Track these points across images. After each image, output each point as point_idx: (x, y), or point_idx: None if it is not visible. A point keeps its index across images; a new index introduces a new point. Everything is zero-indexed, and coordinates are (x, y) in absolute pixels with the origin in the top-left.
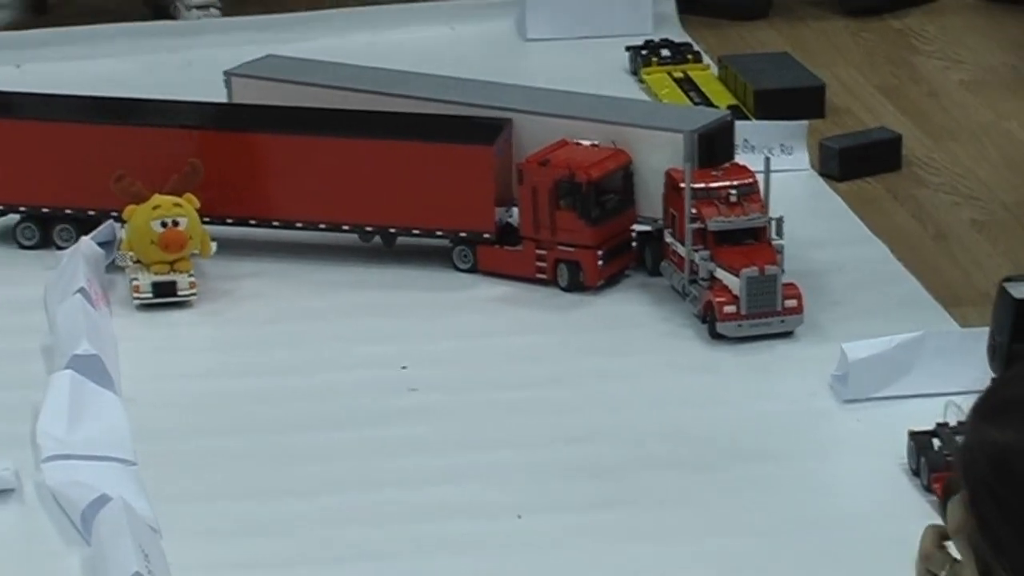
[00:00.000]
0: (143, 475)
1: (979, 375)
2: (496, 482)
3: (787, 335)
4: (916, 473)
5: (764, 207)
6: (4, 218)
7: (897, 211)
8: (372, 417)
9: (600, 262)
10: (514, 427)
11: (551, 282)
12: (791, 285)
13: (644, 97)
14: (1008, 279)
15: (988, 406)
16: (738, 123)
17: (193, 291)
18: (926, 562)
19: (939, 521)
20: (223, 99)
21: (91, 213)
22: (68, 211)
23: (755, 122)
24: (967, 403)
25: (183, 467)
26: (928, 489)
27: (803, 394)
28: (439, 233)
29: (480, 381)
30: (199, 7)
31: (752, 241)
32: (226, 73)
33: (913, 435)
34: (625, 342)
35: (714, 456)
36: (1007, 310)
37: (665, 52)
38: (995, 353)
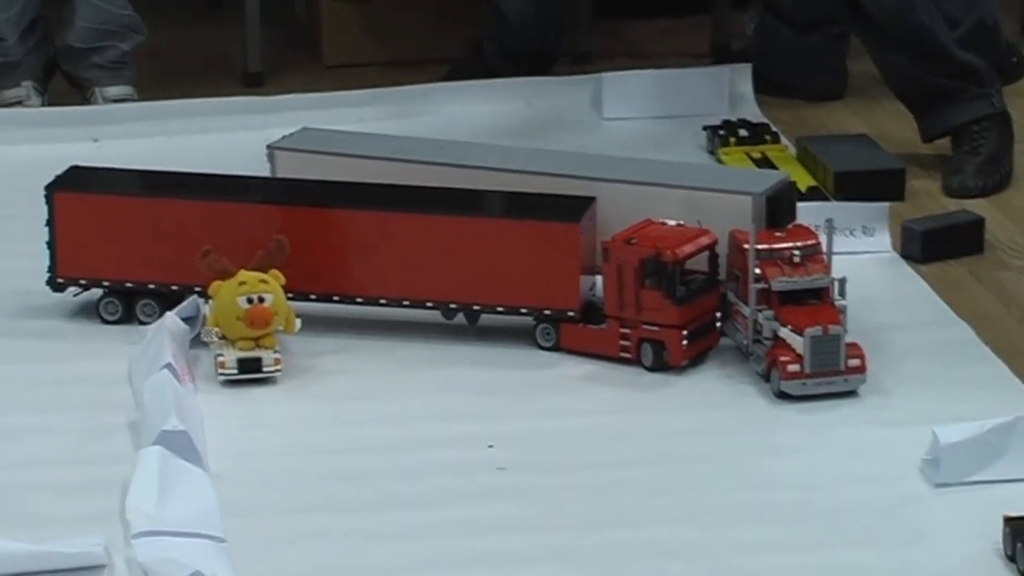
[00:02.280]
0: (232, 553)
1: None
2: (584, 563)
3: (881, 411)
4: (1012, 559)
5: (827, 268)
6: (87, 293)
7: (981, 294)
8: (460, 496)
9: (685, 342)
10: (602, 507)
11: (635, 361)
12: (854, 345)
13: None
14: None
15: None
16: (819, 204)
17: (278, 367)
18: None
19: None
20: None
21: (174, 288)
22: (151, 286)
23: (836, 203)
24: None
25: (272, 545)
26: None
27: (892, 478)
28: (523, 311)
29: (567, 460)
30: (116, 100)
31: (815, 301)
32: (269, 147)
33: (1008, 521)
34: (711, 420)
35: (806, 541)
36: None
37: (743, 132)
38: None
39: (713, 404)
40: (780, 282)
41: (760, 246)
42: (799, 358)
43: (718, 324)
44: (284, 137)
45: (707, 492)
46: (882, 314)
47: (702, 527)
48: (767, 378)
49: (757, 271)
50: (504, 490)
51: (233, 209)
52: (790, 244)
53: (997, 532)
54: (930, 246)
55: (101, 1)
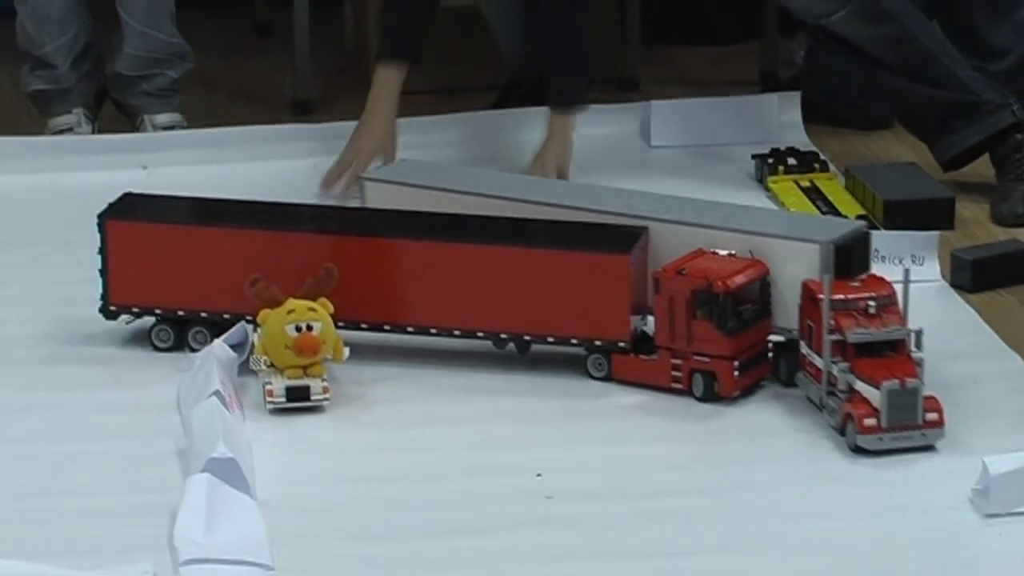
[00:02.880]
0: None
1: None
2: None
3: (927, 449)
4: None
5: (903, 319)
6: (139, 321)
7: None
8: (508, 524)
9: (736, 372)
10: (652, 536)
11: (686, 392)
12: (932, 398)
13: (771, 205)
14: None
15: None
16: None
17: (326, 396)
18: None
19: None
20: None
21: (226, 316)
22: (203, 314)
23: (886, 232)
24: None
25: (319, 573)
26: None
27: (943, 508)
28: (574, 341)
29: (616, 489)
30: (165, 127)
31: (891, 353)
32: (360, 177)
33: None
34: (763, 453)
35: (856, 571)
36: None
37: (792, 160)
38: None
39: (763, 434)
40: (856, 334)
41: (835, 296)
42: (875, 412)
43: (770, 355)
44: (376, 168)
45: (757, 521)
46: (933, 344)
47: (752, 556)
48: (842, 432)
49: (831, 322)
50: (552, 519)
51: (284, 238)
52: (865, 294)
53: None
54: (980, 275)
55: (149, 28)
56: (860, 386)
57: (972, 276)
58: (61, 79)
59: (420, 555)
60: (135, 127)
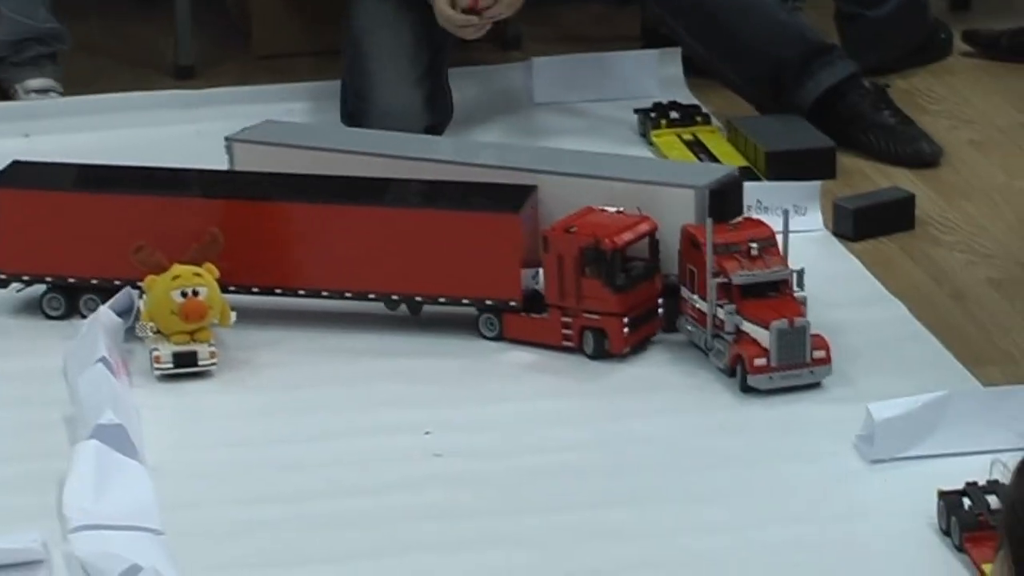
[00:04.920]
0: (171, 545)
1: (1006, 434)
2: (529, 547)
3: (814, 388)
4: (947, 533)
5: (784, 260)
6: (30, 289)
7: (913, 271)
8: (398, 483)
9: (626, 329)
10: (543, 492)
11: (577, 349)
12: (819, 337)
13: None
14: None
15: None
16: (751, 184)
17: (214, 360)
18: None
19: None
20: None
21: (117, 283)
22: (94, 281)
23: (768, 183)
24: (1013, 461)
25: (211, 537)
26: (960, 549)
27: (829, 454)
28: (465, 301)
29: (506, 446)
30: (37, 91)
31: (775, 294)
32: (227, 139)
33: (943, 495)
34: (654, 405)
35: (746, 520)
36: None
37: (674, 114)
38: None
39: (654, 387)
40: (741, 275)
41: (717, 240)
42: (765, 352)
43: (660, 311)
44: (244, 129)
45: (649, 474)
46: (817, 292)
47: (644, 509)
48: (731, 373)
49: (716, 265)
50: (442, 476)
51: (170, 203)
52: (746, 237)
53: (932, 506)
54: (862, 224)
55: (23, 16)
56: (748, 327)
57: (855, 225)
58: None
59: (311, 516)
60: (10, 98)
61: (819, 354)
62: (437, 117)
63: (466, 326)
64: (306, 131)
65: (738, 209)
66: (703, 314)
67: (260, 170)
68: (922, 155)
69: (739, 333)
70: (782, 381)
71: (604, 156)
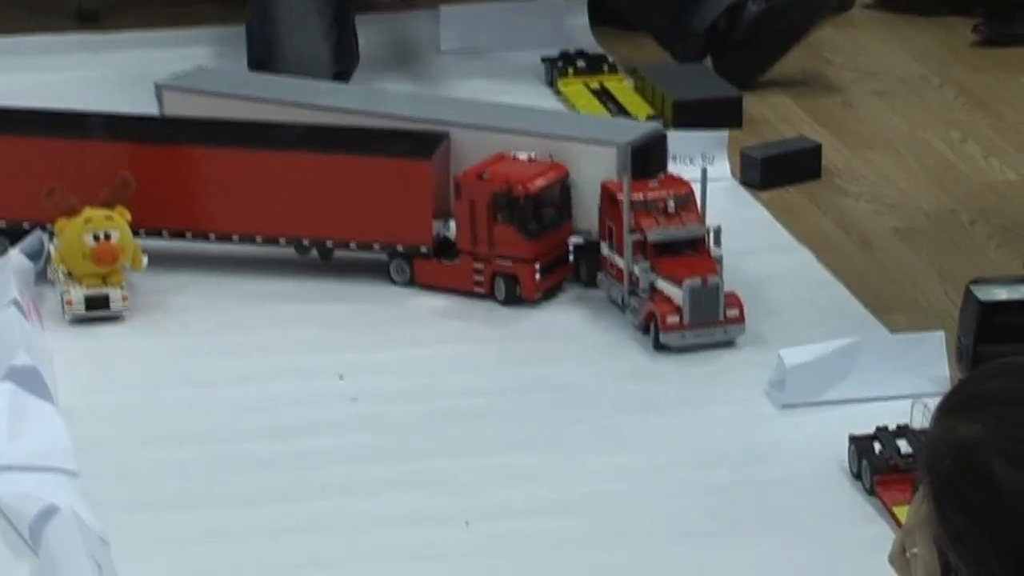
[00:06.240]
0: (85, 486)
1: (917, 379)
2: (440, 490)
3: (728, 344)
4: (858, 477)
5: (701, 218)
6: None
7: (820, 220)
8: (312, 427)
9: (537, 275)
10: (455, 435)
11: (488, 295)
12: (732, 295)
13: (563, 108)
14: (975, 281)
15: (956, 402)
16: None
17: (125, 304)
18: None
19: (881, 524)
20: (153, 112)
21: (26, 226)
22: (2, 224)
23: (676, 132)
24: (934, 403)
25: (125, 478)
26: (871, 492)
27: (741, 400)
28: (376, 247)
29: (419, 391)
30: None
31: (691, 252)
32: (157, 85)
33: (854, 439)
34: (565, 352)
35: (656, 464)
36: (972, 313)
37: (581, 63)
38: (962, 355)
39: (566, 336)
40: (656, 233)
41: (634, 197)
42: (678, 310)
43: (571, 257)
44: (175, 75)
45: (557, 419)
46: (727, 242)
47: (553, 452)
48: (645, 330)
49: (632, 222)
50: (356, 420)
51: (81, 147)
52: (663, 194)
53: (843, 451)
54: (769, 173)
55: None
56: (662, 284)
57: (762, 174)
58: None
59: (225, 459)
60: None
61: (732, 312)
62: (344, 64)
63: (377, 272)
64: (231, 79)
65: (661, 166)
66: (621, 271)
67: (189, 116)
68: None
69: (653, 291)
70: (695, 339)
71: (522, 109)
